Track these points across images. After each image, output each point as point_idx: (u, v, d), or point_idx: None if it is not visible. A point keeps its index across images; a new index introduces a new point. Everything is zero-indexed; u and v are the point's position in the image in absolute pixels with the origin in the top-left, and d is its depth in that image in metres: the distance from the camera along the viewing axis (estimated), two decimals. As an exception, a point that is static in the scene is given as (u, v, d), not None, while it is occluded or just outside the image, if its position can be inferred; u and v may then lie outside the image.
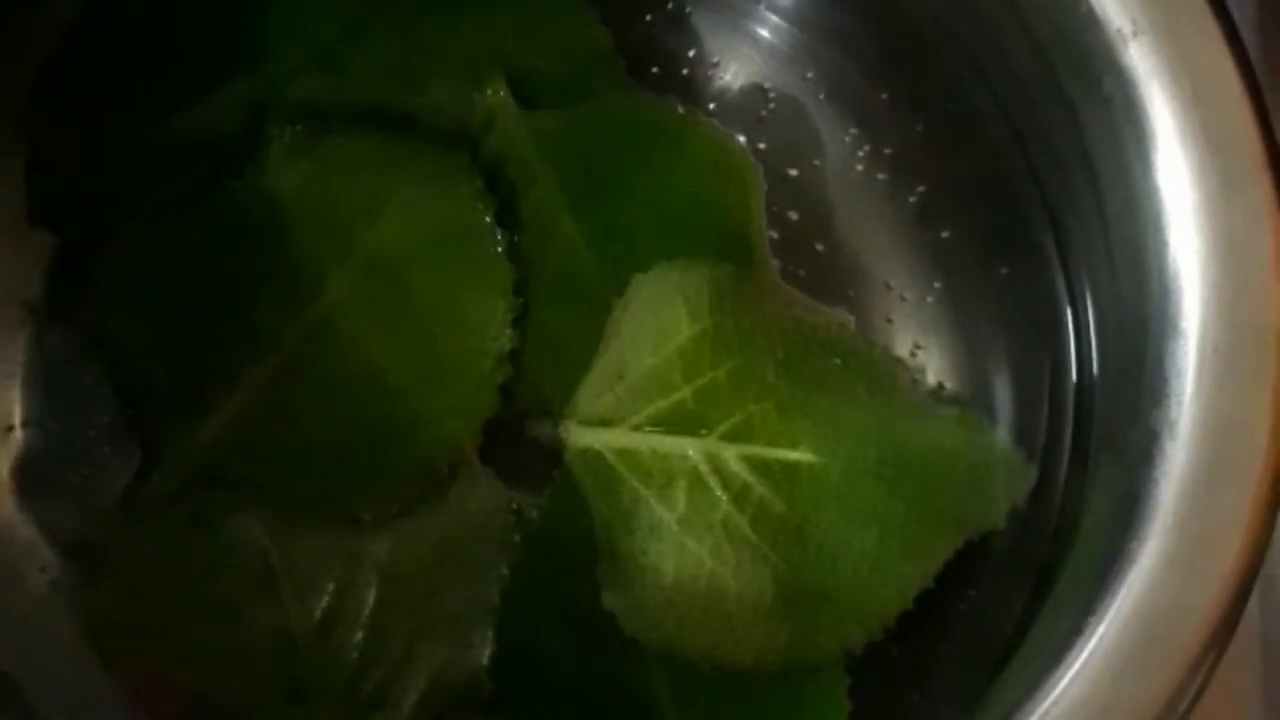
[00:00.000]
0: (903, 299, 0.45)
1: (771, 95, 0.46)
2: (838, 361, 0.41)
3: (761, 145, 0.45)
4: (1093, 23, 0.37)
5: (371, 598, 0.40)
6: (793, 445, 0.40)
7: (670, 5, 0.46)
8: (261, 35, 0.43)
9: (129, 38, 0.43)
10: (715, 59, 0.46)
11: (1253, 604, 0.46)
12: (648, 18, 0.46)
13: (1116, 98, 0.37)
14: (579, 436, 0.41)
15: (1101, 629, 0.34)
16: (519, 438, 0.42)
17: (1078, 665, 0.34)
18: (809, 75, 0.46)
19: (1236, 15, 0.50)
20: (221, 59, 0.43)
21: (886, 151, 0.45)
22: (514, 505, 0.41)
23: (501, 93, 0.43)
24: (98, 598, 0.40)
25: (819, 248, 0.45)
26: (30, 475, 0.42)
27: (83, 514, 0.41)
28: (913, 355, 0.44)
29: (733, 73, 0.46)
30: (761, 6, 0.46)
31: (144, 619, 0.40)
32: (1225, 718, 0.46)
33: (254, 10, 0.43)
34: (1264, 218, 0.35)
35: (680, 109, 0.44)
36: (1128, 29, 0.36)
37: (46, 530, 0.41)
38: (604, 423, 0.41)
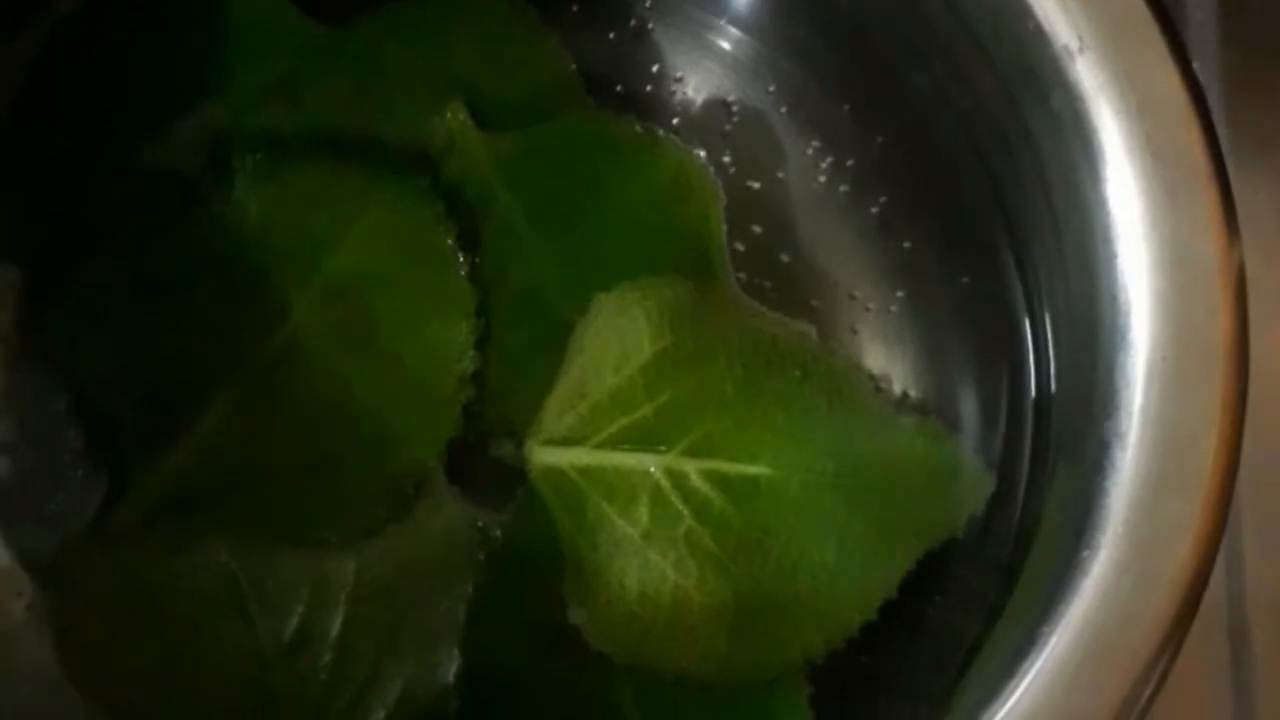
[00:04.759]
0: (867, 309, 0.45)
1: (734, 109, 0.46)
2: (798, 373, 0.42)
3: (725, 159, 0.46)
4: (1040, 39, 0.37)
5: (339, 618, 0.41)
6: (752, 459, 0.40)
7: (633, 22, 0.46)
8: (221, 65, 0.43)
9: (91, 72, 0.43)
10: (678, 74, 0.46)
11: (1220, 595, 0.47)
12: (610, 35, 0.46)
13: (1065, 112, 0.37)
14: (543, 455, 0.41)
15: (1054, 638, 0.34)
16: (484, 457, 0.42)
17: (1032, 674, 0.34)
18: (771, 89, 0.46)
19: (1197, 16, 0.51)
20: (182, 90, 0.43)
21: (848, 164, 0.46)
22: (479, 523, 0.42)
23: (461, 116, 0.43)
24: (70, 623, 0.41)
25: (784, 259, 0.45)
26: (5, 501, 0.42)
27: (57, 540, 0.41)
28: (877, 364, 0.44)
29: (695, 87, 0.46)
30: (724, 21, 0.47)
31: (116, 643, 0.41)
32: (1193, 706, 0.46)
33: (213, 41, 0.44)
34: (1209, 229, 0.36)
35: (639, 127, 0.45)
36: (1074, 45, 0.37)
37: (23, 556, 0.42)
38: (567, 441, 0.41)
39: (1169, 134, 0.36)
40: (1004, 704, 0.34)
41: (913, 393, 0.44)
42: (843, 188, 0.46)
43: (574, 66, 0.45)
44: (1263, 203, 0.49)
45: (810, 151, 0.46)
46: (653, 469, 0.40)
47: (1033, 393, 0.43)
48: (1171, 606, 0.34)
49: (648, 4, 0.46)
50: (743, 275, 0.45)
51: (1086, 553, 0.35)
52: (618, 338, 0.41)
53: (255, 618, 0.41)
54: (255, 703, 0.40)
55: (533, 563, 0.41)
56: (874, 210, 0.46)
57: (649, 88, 0.46)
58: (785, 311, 0.44)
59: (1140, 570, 0.34)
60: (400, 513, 0.42)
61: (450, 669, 0.41)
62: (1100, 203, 0.37)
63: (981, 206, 0.44)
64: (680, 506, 0.40)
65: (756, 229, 0.45)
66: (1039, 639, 0.34)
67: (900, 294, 0.45)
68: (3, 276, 0.43)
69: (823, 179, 0.46)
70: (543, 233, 0.43)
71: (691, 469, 0.40)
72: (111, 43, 0.44)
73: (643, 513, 0.40)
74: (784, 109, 0.46)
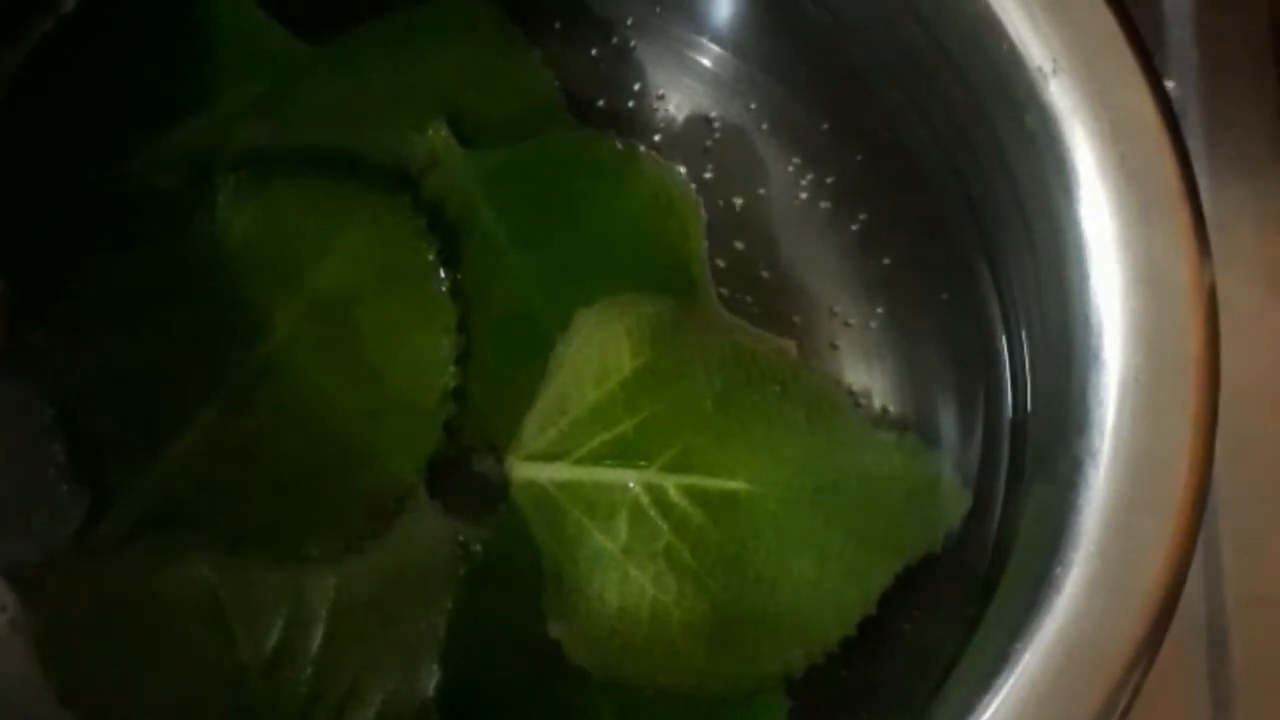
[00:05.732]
0: (846, 324, 0.45)
1: (716, 126, 0.47)
2: (777, 389, 0.42)
3: (707, 175, 0.46)
4: (1015, 60, 0.38)
5: (320, 632, 0.41)
6: (731, 475, 0.41)
7: (614, 40, 0.47)
8: (204, 82, 0.44)
9: (74, 87, 0.44)
10: (660, 91, 0.47)
11: (1199, 606, 0.47)
12: (593, 52, 0.47)
13: (1039, 133, 0.38)
14: (523, 470, 0.41)
15: (1028, 654, 0.34)
16: (465, 472, 0.43)
17: (1006, 689, 0.34)
18: (752, 106, 0.47)
19: (1176, 34, 0.51)
20: (166, 107, 0.44)
21: (829, 180, 0.46)
22: (460, 538, 0.42)
23: (443, 133, 0.44)
24: (53, 636, 0.41)
25: (765, 275, 0.46)
26: (-10, 516, 0.42)
27: (40, 553, 0.41)
28: (856, 380, 0.45)
29: (677, 105, 0.47)
30: (705, 39, 0.47)
31: (98, 657, 0.41)
32: (1172, 716, 0.47)
33: (196, 58, 0.44)
34: (1181, 249, 0.36)
35: (620, 144, 0.45)
36: (1048, 66, 0.37)
37: (5, 569, 0.42)
38: (548, 457, 0.41)
39: (1142, 155, 0.36)
40: (979, 718, 0.34)
41: (892, 408, 0.45)
42: (823, 204, 0.46)
43: (556, 84, 0.45)
44: (1242, 221, 0.50)
45: (791, 168, 0.46)
46: (632, 484, 0.41)
47: (1009, 409, 0.43)
48: (1143, 623, 0.35)
49: (629, 22, 0.47)
50: (724, 291, 0.45)
51: (1060, 569, 0.35)
52: (598, 353, 0.42)
53: (236, 632, 0.41)
54: (236, 716, 0.41)
55: (513, 577, 0.41)
56: (854, 227, 0.46)
57: (631, 105, 0.46)
58: (766, 327, 0.45)
59: (1113, 587, 0.35)
60: (381, 527, 0.42)
61: (430, 683, 0.41)
62: (1074, 223, 0.37)
63: (959, 225, 0.44)
64: (659, 522, 0.40)
65: (738, 245, 0.46)
66: (1013, 654, 0.35)
67: (880, 310, 0.45)
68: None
69: (803, 196, 0.46)
70: (524, 249, 0.44)
71: (671, 484, 0.41)
72: (95, 58, 0.44)
73: (622, 528, 0.41)
74: (765, 126, 0.47)
